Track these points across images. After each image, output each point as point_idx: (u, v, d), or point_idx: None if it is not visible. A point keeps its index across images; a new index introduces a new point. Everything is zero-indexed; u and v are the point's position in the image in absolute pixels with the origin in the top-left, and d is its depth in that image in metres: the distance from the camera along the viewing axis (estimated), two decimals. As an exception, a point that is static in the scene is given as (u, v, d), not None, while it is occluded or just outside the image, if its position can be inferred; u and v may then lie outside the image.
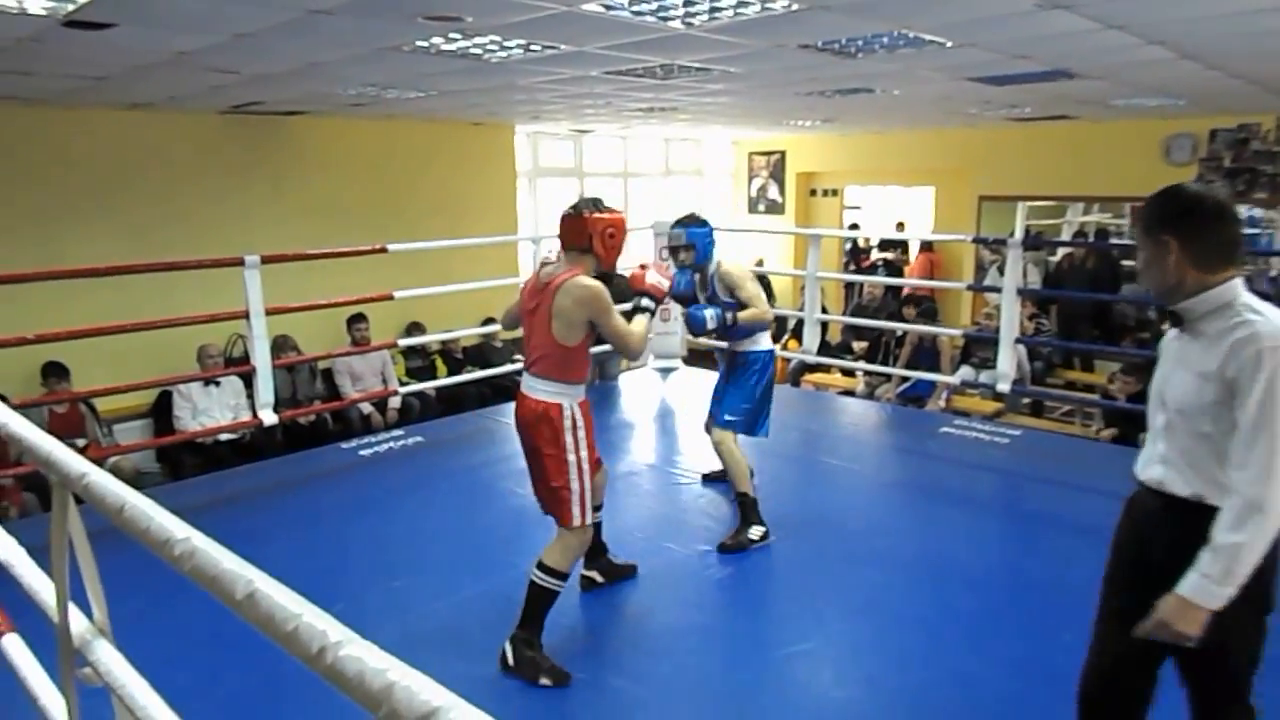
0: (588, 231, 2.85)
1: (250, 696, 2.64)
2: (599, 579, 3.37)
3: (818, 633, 3.06)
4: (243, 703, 2.61)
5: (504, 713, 0.57)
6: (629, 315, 2.96)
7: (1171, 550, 1.78)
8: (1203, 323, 1.75)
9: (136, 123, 6.04)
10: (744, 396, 3.80)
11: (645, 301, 3.05)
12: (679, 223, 3.80)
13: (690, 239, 3.75)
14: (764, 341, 3.84)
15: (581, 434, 2.84)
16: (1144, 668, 1.93)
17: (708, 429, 3.96)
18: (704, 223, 3.82)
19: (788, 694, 2.76)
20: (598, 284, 2.80)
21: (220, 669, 2.77)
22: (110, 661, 1.24)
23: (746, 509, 3.71)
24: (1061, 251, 8.92)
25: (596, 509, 3.25)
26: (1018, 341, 5.39)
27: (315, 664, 0.69)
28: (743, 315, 3.68)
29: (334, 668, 0.67)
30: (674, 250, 3.79)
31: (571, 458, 2.81)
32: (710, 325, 3.65)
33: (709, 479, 4.38)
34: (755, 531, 3.67)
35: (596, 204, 2.92)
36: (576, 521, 2.82)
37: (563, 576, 2.82)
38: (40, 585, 1.50)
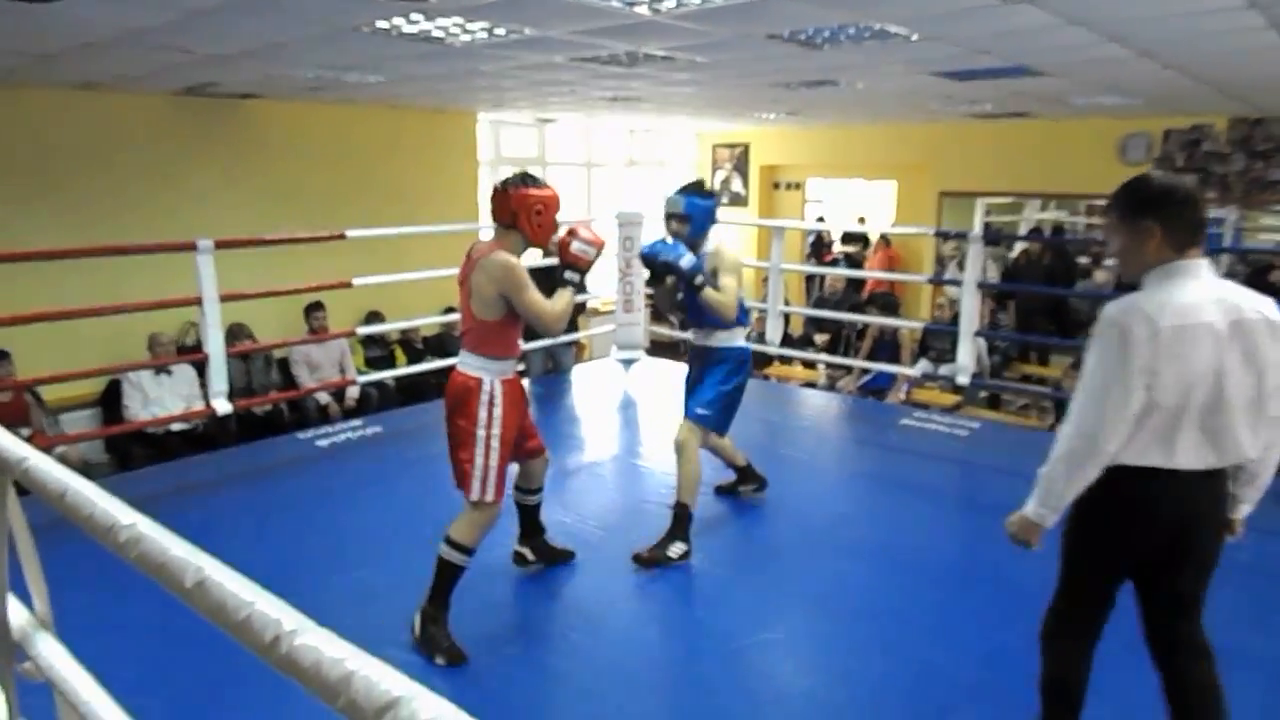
0: (512, 208, 2.80)
1: (199, 693, 2.58)
2: (530, 556, 3.36)
3: (779, 623, 3.07)
4: (191, 699, 2.54)
5: (465, 702, 0.54)
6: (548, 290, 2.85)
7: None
8: None
9: (85, 103, 5.85)
10: (719, 391, 3.53)
11: (568, 273, 2.93)
12: (682, 189, 3.50)
13: (687, 209, 3.41)
14: (739, 338, 3.62)
15: (498, 412, 2.81)
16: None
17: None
18: (708, 195, 3.50)
19: (749, 683, 2.76)
20: (511, 259, 2.75)
21: (169, 665, 2.70)
22: (52, 655, 1.19)
23: (677, 521, 3.44)
24: (1018, 248, 9.05)
25: (532, 491, 3.28)
26: (977, 334, 5.44)
27: (269, 654, 0.66)
28: (708, 293, 3.36)
29: (289, 657, 0.64)
30: (668, 218, 3.47)
31: (481, 432, 2.79)
32: (682, 261, 3.28)
33: (722, 491, 4.07)
34: (676, 549, 3.40)
35: (525, 180, 2.84)
36: (476, 495, 2.81)
37: (468, 551, 2.81)
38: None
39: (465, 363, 2.85)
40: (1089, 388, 1.89)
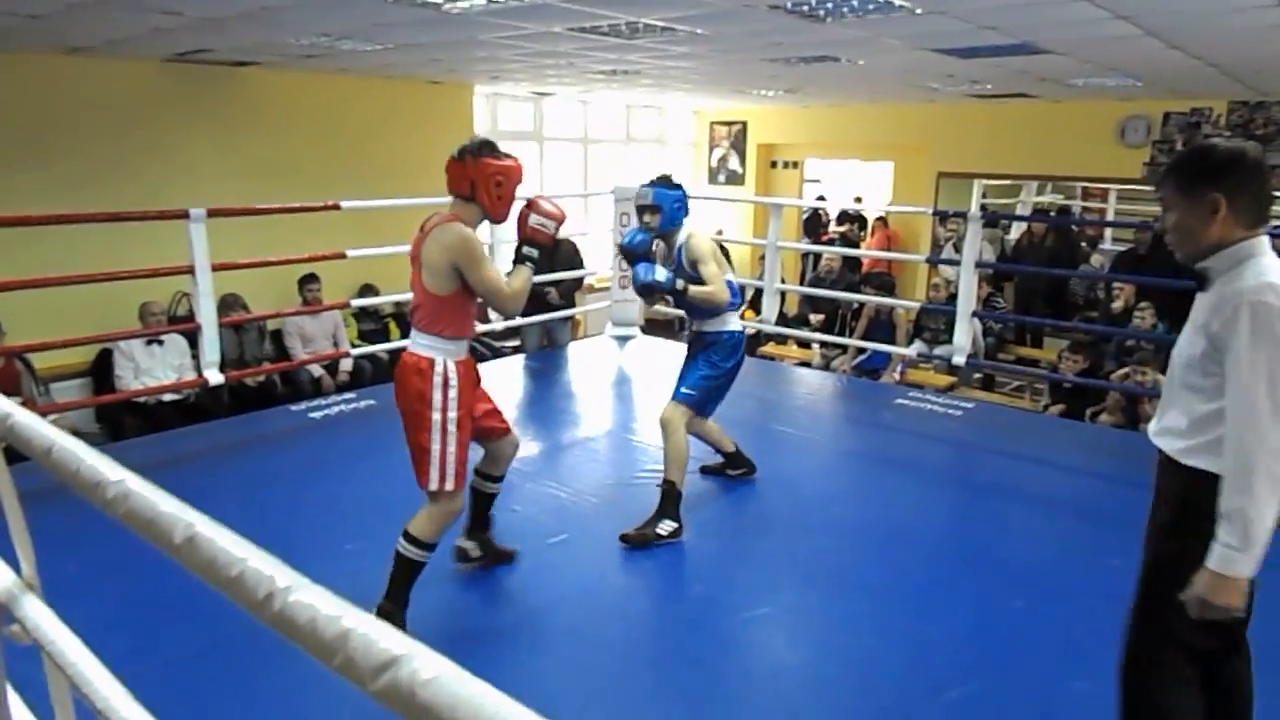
0: (469, 177, 2.63)
1: (188, 661, 2.56)
2: (473, 553, 3.13)
3: (771, 597, 3.06)
4: (180, 667, 2.53)
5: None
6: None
7: (1176, 508, 1.79)
8: (1221, 279, 1.72)
9: (75, 69, 5.75)
10: (708, 373, 3.54)
11: (525, 249, 2.78)
12: (650, 183, 3.57)
13: (656, 200, 3.49)
14: (733, 322, 3.60)
15: (453, 394, 2.63)
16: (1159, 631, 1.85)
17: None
18: (676, 186, 3.57)
19: (742, 656, 2.76)
20: (466, 230, 2.60)
21: (158, 634, 2.68)
22: (39, 617, 1.17)
23: (665, 499, 3.42)
24: (1018, 229, 9.02)
25: (493, 479, 3.08)
26: (974, 315, 5.42)
27: (262, 611, 0.63)
28: (695, 290, 3.40)
29: (283, 614, 0.61)
30: (640, 210, 3.55)
31: (436, 416, 2.61)
32: (660, 279, 3.34)
33: (708, 471, 4.05)
34: (666, 526, 3.38)
35: (484, 148, 2.68)
36: (434, 485, 2.65)
37: (428, 547, 2.66)
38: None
39: (416, 343, 2.66)
40: (1268, 393, 1.59)
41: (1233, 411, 1.62)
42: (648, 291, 3.44)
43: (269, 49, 5.46)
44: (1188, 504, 1.74)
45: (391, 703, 0.53)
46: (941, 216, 8.32)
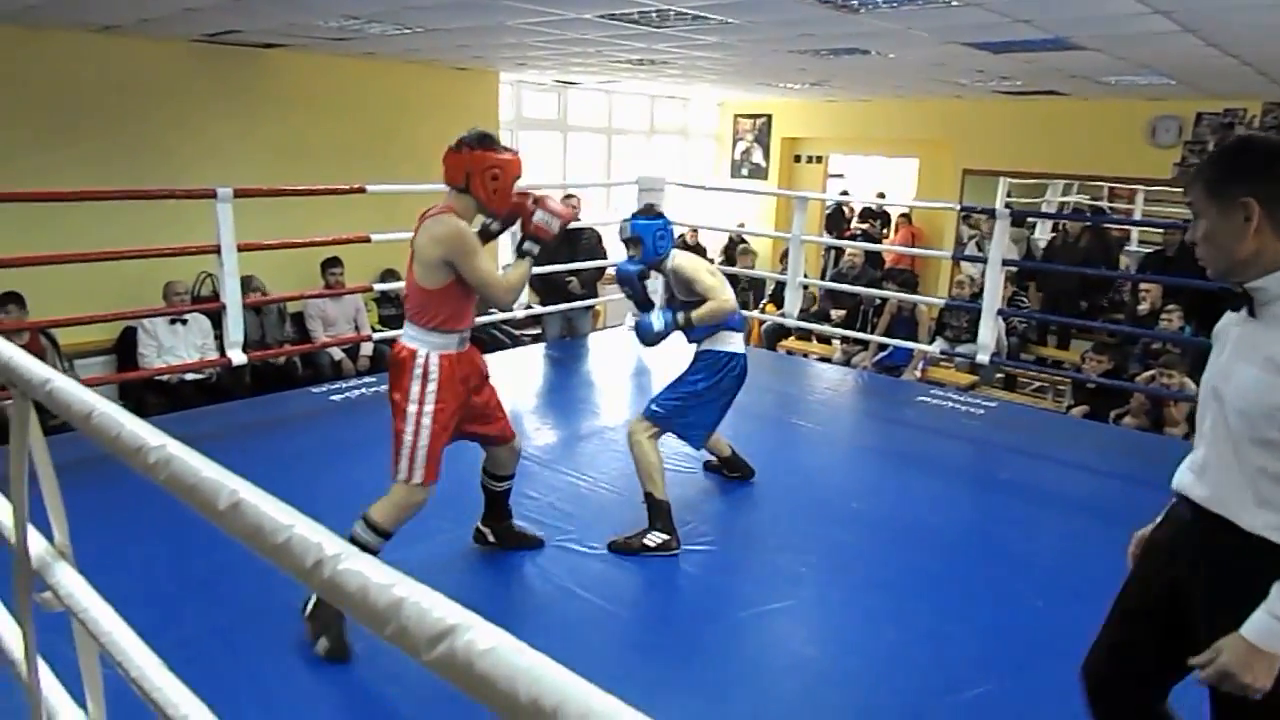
0: (465, 168, 2.60)
1: (212, 636, 2.57)
2: (490, 538, 3.18)
3: (791, 592, 3.04)
4: (203, 643, 2.54)
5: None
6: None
7: (1209, 577, 1.53)
8: (1278, 305, 1.43)
9: (106, 47, 5.78)
10: (682, 391, 3.41)
11: (526, 244, 2.76)
12: (631, 215, 3.53)
13: (634, 232, 3.40)
14: (726, 342, 3.44)
15: (431, 389, 2.60)
16: (1142, 670, 1.75)
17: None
18: (656, 216, 3.47)
19: (760, 650, 2.74)
20: (459, 222, 2.57)
21: (182, 609, 2.70)
22: (71, 585, 1.17)
23: (651, 512, 3.29)
24: (1043, 230, 8.93)
25: (499, 478, 3.07)
26: (1000, 313, 5.37)
27: (311, 578, 0.62)
28: (697, 313, 3.32)
29: (332, 582, 0.60)
30: (625, 243, 3.48)
31: (412, 408, 2.60)
32: (659, 328, 3.34)
33: (710, 469, 4.01)
34: (654, 538, 3.24)
35: (482, 140, 2.64)
36: (402, 475, 2.63)
37: (384, 534, 2.62)
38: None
39: (404, 333, 2.67)
40: None
41: None
42: (656, 342, 3.42)
43: (296, 31, 5.46)
44: (1259, 581, 1.41)
45: (447, 673, 0.52)
46: (968, 213, 8.24)
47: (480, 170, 2.60)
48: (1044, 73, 5.98)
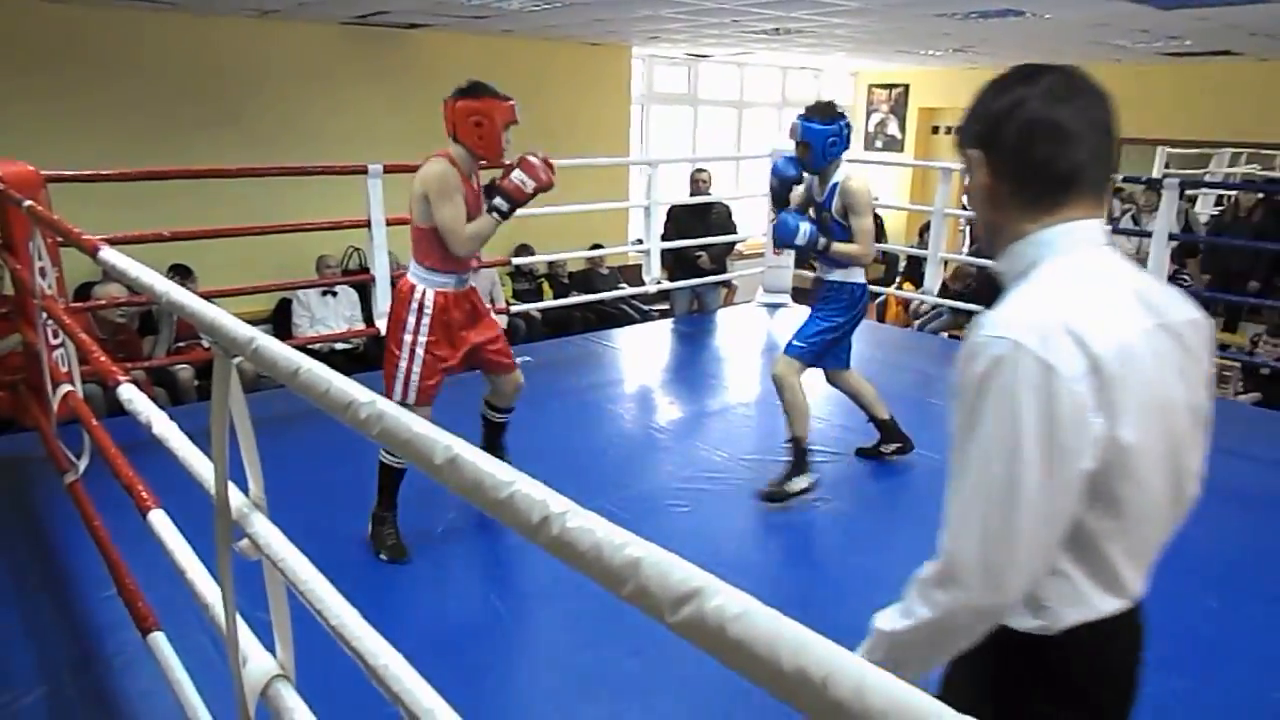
0: (451, 119, 2.76)
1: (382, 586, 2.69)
2: None
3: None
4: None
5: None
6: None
7: None
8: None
9: (263, 31, 6.09)
10: (822, 327, 3.39)
11: (496, 200, 2.84)
12: (803, 113, 3.26)
13: (804, 136, 3.20)
14: (857, 274, 3.41)
15: (425, 322, 2.82)
16: None
17: (830, 380, 3.66)
18: (833, 119, 3.20)
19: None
20: (441, 165, 2.73)
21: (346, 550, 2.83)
22: (268, 534, 1.22)
23: (795, 455, 3.35)
24: (1204, 203, 8.29)
25: (499, 410, 3.22)
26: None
27: (537, 535, 0.62)
28: (839, 247, 3.27)
29: (561, 539, 0.59)
30: (796, 145, 3.29)
31: (406, 337, 2.83)
32: (798, 241, 3.24)
33: (864, 454, 3.83)
34: (799, 482, 3.32)
35: (470, 90, 2.77)
36: (396, 397, 2.82)
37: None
38: (194, 459, 1.50)
39: (409, 269, 2.91)
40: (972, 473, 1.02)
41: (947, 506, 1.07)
42: (789, 247, 3.35)
43: (441, 9, 5.59)
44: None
45: (694, 635, 0.50)
46: (1130, 183, 7.71)
47: (464, 119, 2.74)
48: (1218, 30, 5.51)
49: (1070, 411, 0.96)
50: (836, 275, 3.40)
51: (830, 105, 3.27)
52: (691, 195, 6.37)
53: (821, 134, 3.19)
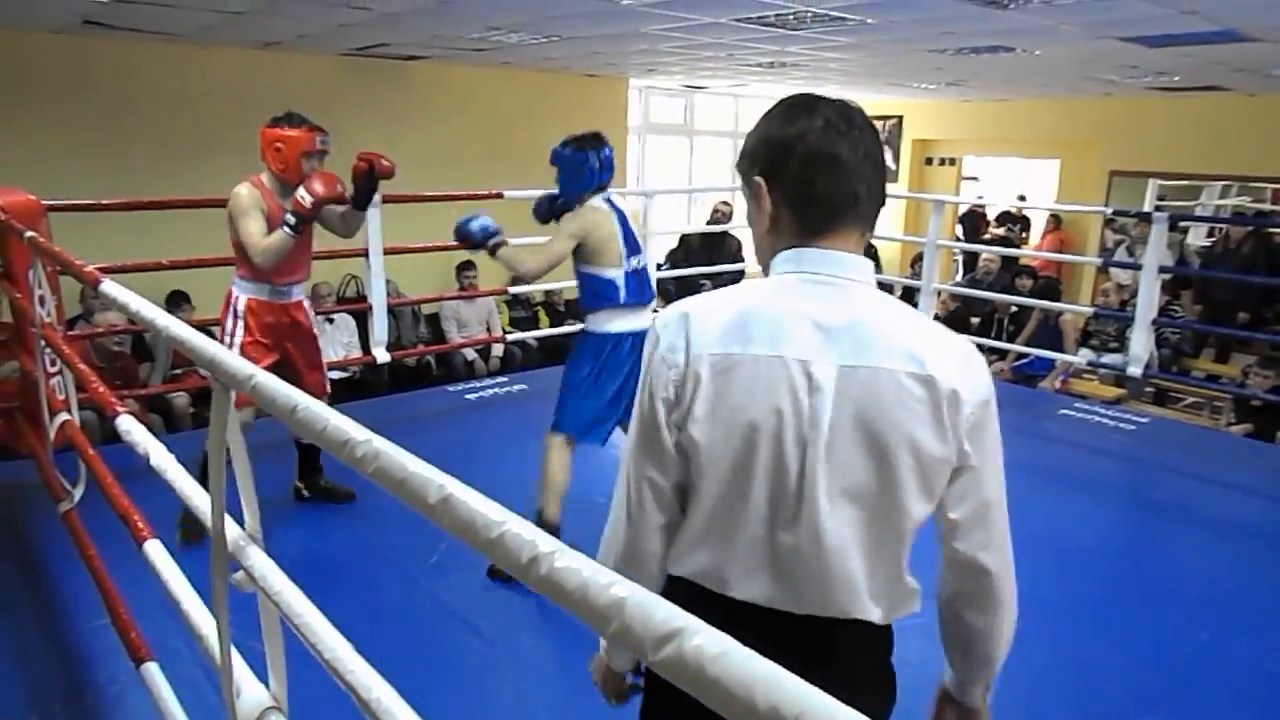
0: (260, 144, 3.04)
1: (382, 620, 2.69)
2: (306, 494, 3.55)
3: (931, 609, 2.94)
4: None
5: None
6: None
7: None
8: None
9: (264, 63, 6.16)
10: (563, 388, 3.01)
11: (287, 215, 3.00)
12: (563, 141, 2.96)
13: (552, 159, 2.94)
14: (598, 322, 2.95)
15: (238, 325, 3.12)
16: None
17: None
18: (582, 147, 2.86)
19: (902, 666, 2.66)
20: (240, 188, 3.03)
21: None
22: (264, 567, 1.24)
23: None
24: (1197, 234, 8.37)
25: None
26: (1154, 323, 5.06)
27: (525, 574, 0.64)
28: (504, 250, 2.92)
29: (549, 578, 0.62)
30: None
31: (226, 339, 3.11)
32: (473, 228, 2.96)
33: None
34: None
35: (281, 119, 3.04)
36: None
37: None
38: (192, 492, 1.52)
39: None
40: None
41: None
42: (466, 241, 3.00)
43: (440, 42, 5.67)
44: None
45: (675, 673, 0.53)
46: (1120, 216, 7.79)
47: (268, 145, 3.04)
48: (1206, 67, 5.60)
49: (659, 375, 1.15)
50: (584, 325, 3.06)
51: (592, 136, 2.92)
52: (709, 223, 6.52)
53: (567, 158, 2.89)
